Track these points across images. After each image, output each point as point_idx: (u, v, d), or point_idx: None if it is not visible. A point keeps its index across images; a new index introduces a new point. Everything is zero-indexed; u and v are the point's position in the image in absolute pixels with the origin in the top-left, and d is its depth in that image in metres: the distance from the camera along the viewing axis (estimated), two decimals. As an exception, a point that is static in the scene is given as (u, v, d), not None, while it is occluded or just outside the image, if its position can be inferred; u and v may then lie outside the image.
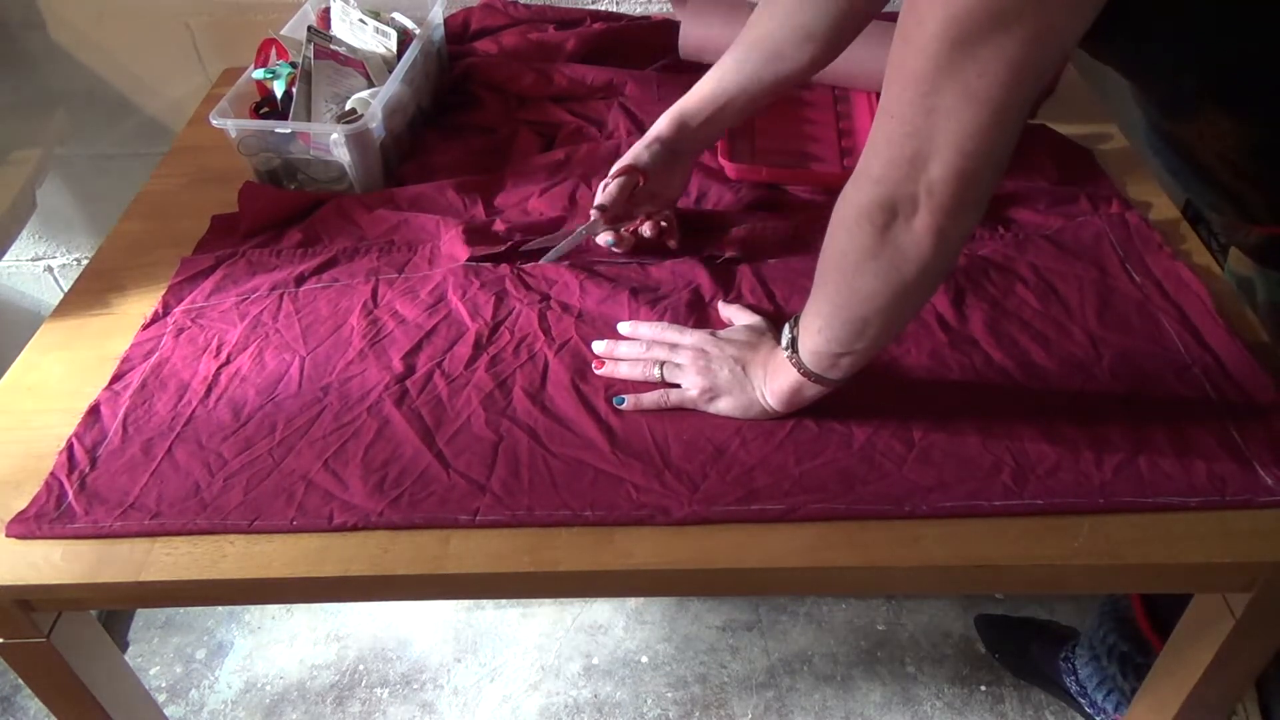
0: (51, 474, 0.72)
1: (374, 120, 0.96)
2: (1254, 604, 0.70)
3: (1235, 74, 0.65)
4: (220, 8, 1.25)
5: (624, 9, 1.27)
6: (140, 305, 0.89)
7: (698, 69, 0.89)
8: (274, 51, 1.07)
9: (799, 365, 0.70)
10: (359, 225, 0.96)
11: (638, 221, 0.90)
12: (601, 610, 1.40)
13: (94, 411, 0.77)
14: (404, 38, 1.07)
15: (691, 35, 1.12)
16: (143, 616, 1.41)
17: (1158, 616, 1.01)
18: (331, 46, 1.01)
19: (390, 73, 1.03)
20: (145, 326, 0.86)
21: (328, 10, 1.08)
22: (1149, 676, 0.88)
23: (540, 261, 0.90)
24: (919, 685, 1.29)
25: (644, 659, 1.33)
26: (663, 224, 0.91)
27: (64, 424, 0.77)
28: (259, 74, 1.04)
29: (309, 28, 1.01)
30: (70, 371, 0.83)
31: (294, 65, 1.02)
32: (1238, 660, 0.76)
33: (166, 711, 1.26)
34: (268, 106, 1.04)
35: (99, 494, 0.71)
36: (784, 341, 0.71)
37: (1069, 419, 0.73)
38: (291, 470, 0.72)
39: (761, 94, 0.87)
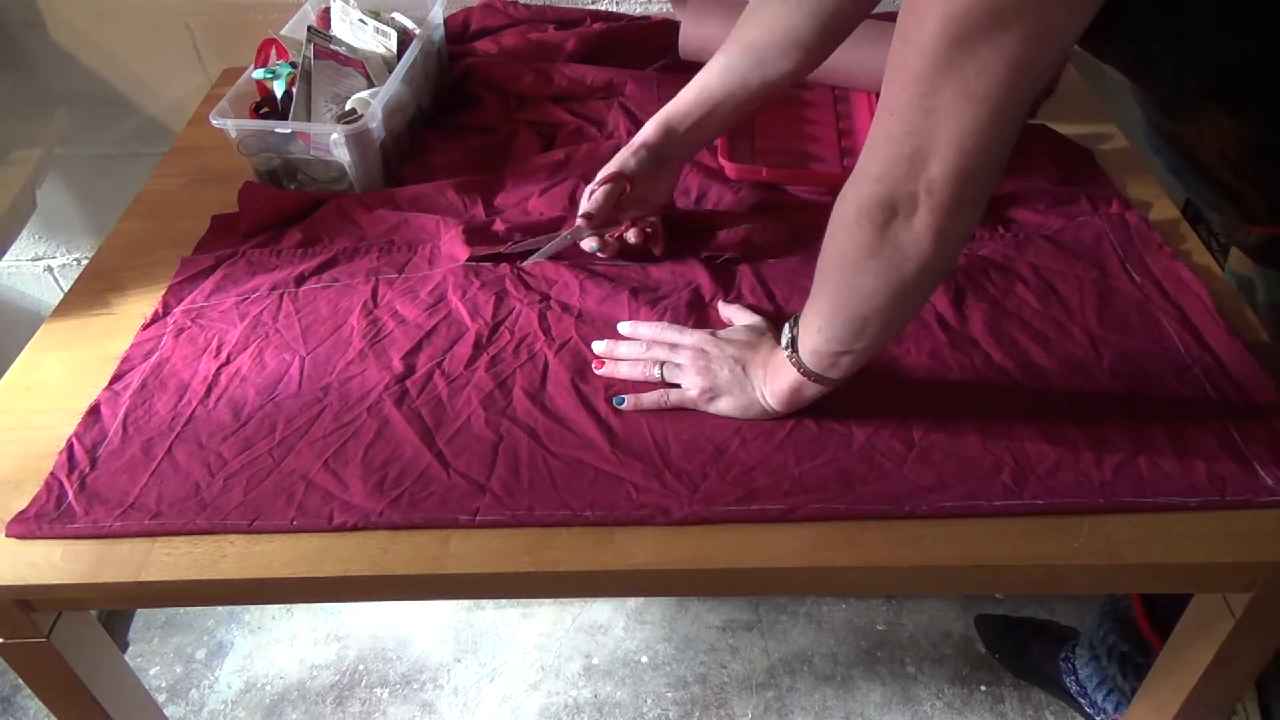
0: (51, 474, 0.72)
1: (374, 120, 0.96)
2: (1254, 604, 0.70)
3: (1235, 74, 0.65)
4: (220, 8, 1.25)
5: (624, 9, 1.27)
6: (140, 305, 0.89)
7: (697, 69, 0.89)
8: (274, 51, 1.07)
9: (799, 365, 0.70)
10: (359, 225, 0.96)
11: (623, 227, 0.89)
12: (601, 610, 1.39)
13: (94, 411, 0.77)
14: (404, 38, 1.07)
15: (691, 35, 1.12)
16: (143, 616, 1.41)
17: (1158, 616, 1.01)
18: (331, 46, 1.01)
19: (390, 73, 1.03)
20: (145, 326, 0.86)
21: (328, 10, 1.08)
22: (1149, 676, 0.88)
23: (523, 264, 0.90)
24: (919, 685, 1.29)
25: (644, 659, 1.33)
26: (648, 230, 0.90)
27: (64, 424, 0.77)
28: (259, 74, 1.04)
29: (309, 28, 1.01)
30: (70, 371, 0.83)
31: (294, 65, 1.02)
32: (1238, 660, 0.76)
33: (166, 711, 1.26)
34: (268, 106, 1.04)
35: (99, 494, 0.71)
36: (784, 341, 0.71)
37: (1069, 419, 0.73)
38: (291, 470, 0.72)
39: (749, 99, 0.86)
